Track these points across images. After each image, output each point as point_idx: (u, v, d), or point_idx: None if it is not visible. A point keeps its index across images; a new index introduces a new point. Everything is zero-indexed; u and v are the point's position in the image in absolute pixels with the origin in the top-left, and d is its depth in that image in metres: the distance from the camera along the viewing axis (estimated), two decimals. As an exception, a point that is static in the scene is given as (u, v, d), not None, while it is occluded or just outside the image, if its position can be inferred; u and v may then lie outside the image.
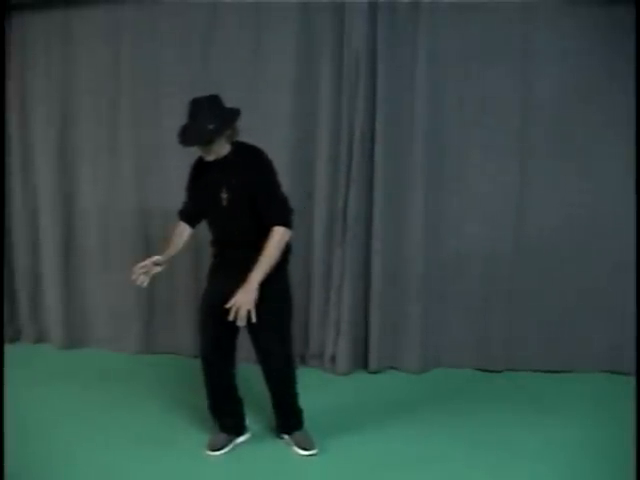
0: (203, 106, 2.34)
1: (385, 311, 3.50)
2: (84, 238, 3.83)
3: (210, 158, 2.36)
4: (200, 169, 2.50)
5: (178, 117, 3.52)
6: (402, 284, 3.51)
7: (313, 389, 3.24)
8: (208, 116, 2.30)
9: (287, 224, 2.37)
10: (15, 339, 3.97)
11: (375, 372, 3.53)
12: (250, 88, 3.47)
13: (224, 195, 2.38)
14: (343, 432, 2.78)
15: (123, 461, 2.50)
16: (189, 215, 2.67)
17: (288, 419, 2.67)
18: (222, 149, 2.37)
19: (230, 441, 2.64)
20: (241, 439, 2.69)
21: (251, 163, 2.38)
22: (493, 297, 3.53)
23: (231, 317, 2.22)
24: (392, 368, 3.58)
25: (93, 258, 3.83)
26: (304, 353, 3.64)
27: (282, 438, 2.70)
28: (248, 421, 2.74)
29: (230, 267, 2.47)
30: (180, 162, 3.60)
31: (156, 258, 2.51)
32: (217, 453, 2.58)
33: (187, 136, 2.34)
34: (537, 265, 3.50)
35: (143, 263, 2.46)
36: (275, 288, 2.39)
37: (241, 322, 2.24)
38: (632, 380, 3.31)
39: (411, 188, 3.43)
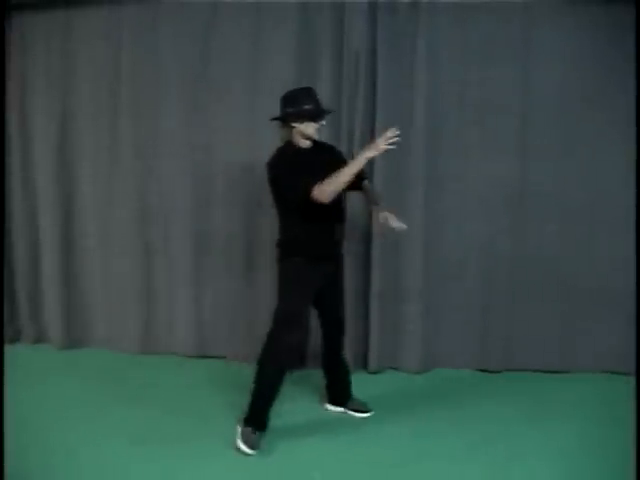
0: (315, 92, 2.68)
1: (385, 311, 3.50)
2: (84, 238, 3.83)
3: (316, 136, 2.63)
4: (296, 161, 2.58)
5: (177, 117, 3.58)
6: (402, 284, 3.51)
7: (313, 389, 3.25)
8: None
9: None
10: (15, 339, 3.97)
11: (375, 372, 3.53)
12: (250, 88, 3.47)
13: (322, 173, 2.47)
14: (343, 432, 2.78)
15: (123, 461, 2.50)
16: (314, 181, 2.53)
17: (348, 385, 2.97)
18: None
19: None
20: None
21: (329, 146, 2.80)
22: (493, 297, 3.53)
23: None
24: (392, 368, 3.58)
25: (93, 258, 3.83)
26: (303, 353, 3.64)
27: (335, 410, 2.97)
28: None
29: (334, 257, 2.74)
30: (179, 161, 3.64)
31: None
32: (254, 452, 2.57)
33: (327, 109, 2.69)
34: (537, 265, 3.50)
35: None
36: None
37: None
38: (631, 380, 3.31)
39: (411, 187, 3.43)
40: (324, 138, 3.41)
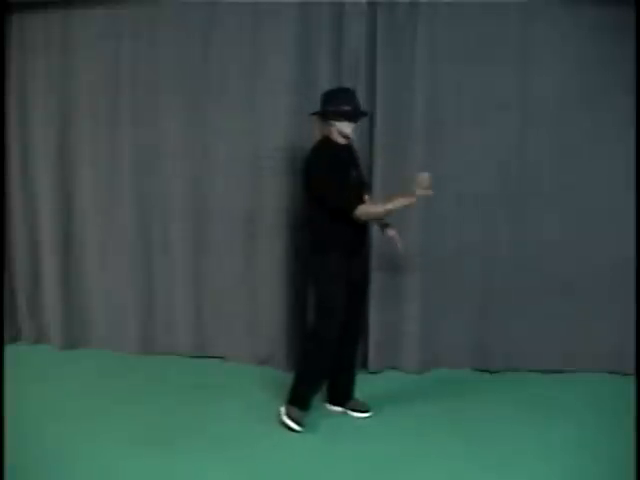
0: (355, 93, 2.80)
1: (385, 311, 3.50)
2: (83, 238, 3.83)
3: (353, 136, 2.76)
4: (337, 155, 2.74)
5: (177, 117, 3.58)
6: (402, 284, 3.51)
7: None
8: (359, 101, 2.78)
9: None
10: (14, 339, 3.97)
11: (375, 372, 3.53)
12: (249, 88, 3.47)
13: (354, 173, 2.78)
14: (343, 432, 2.79)
15: (122, 461, 2.50)
16: (355, 197, 2.74)
17: (352, 387, 3.00)
18: None
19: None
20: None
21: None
22: (491, 297, 3.53)
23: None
24: (392, 368, 3.58)
25: (92, 258, 3.84)
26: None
27: (335, 410, 3.00)
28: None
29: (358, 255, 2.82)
30: (179, 162, 3.64)
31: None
32: (301, 429, 2.77)
33: (363, 110, 2.81)
34: (536, 264, 3.50)
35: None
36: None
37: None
38: (631, 380, 3.31)
39: (409, 187, 3.42)
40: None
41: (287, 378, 3.43)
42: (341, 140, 2.74)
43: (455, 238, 3.51)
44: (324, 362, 2.80)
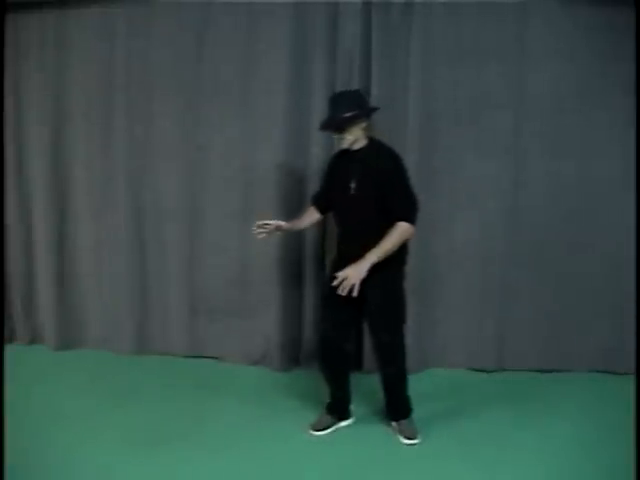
0: (343, 97, 2.57)
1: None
2: (78, 238, 3.82)
3: (344, 146, 2.54)
4: (337, 159, 2.69)
5: (171, 117, 3.58)
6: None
7: (308, 390, 3.25)
8: (345, 105, 2.47)
9: (412, 220, 2.47)
10: (9, 340, 3.96)
11: (369, 372, 3.52)
12: (243, 89, 3.47)
13: (353, 184, 2.52)
14: (339, 434, 2.79)
15: (117, 462, 2.49)
16: (319, 201, 2.81)
17: (396, 407, 2.79)
18: (358, 141, 2.54)
19: (334, 423, 2.81)
20: (344, 423, 2.85)
21: (382, 155, 2.53)
22: (486, 297, 3.53)
23: (336, 285, 2.36)
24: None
25: (87, 258, 3.83)
26: (297, 354, 3.64)
27: (390, 425, 2.83)
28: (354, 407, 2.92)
29: (351, 260, 2.47)
30: (174, 162, 3.63)
31: (281, 223, 2.71)
32: (320, 433, 2.74)
33: (324, 122, 2.57)
34: (531, 264, 3.50)
35: (268, 221, 2.65)
36: (390, 288, 2.61)
37: (342, 292, 2.36)
38: (626, 379, 3.32)
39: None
40: (317, 137, 3.44)
41: (282, 378, 3.45)
42: (364, 142, 2.57)
43: (449, 237, 3.50)
44: (321, 361, 2.79)
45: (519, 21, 3.33)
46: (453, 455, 2.58)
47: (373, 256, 2.39)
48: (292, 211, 3.47)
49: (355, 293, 2.35)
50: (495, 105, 3.38)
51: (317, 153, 3.42)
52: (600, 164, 3.42)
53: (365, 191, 2.50)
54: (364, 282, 2.39)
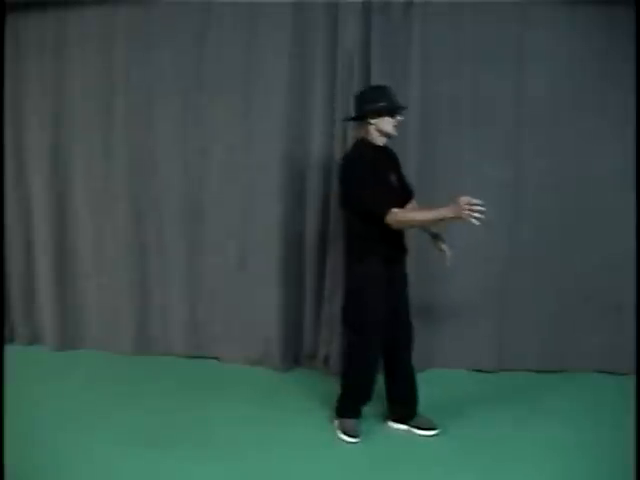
0: (389, 89, 2.65)
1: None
2: (77, 238, 3.82)
3: (395, 133, 2.61)
4: (374, 157, 2.60)
5: (172, 117, 3.58)
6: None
7: (307, 389, 3.24)
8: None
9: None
10: (9, 340, 3.95)
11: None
12: (243, 89, 3.47)
13: (393, 176, 2.65)
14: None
15: (117, 462, 2.49)
16: (390, 200, 2.52)
17: (414, 405, 2.80)
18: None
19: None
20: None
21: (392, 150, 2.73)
22: (486, 297, 3.53)
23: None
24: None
25: (87, 258, 3.82)
26: (297, 353, 3.64)
27: (394, 427, 2.82)
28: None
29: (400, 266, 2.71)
30: (174, 162, 3.63)
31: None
32: (356, 440, 2.68)
33: (400, 105, 2.62)
34: (531, 265, 3.50)
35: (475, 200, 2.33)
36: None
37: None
38: (626, 380, 3.31)
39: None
40: (317, 137, 3.45)
41: (282, 378, 3.45)
42: (380, 141, 2.60)
43: (449, 239, 3.49)
44: (367, 372, 2.71)
45: (518, 22, 3.33)
46: (452, 456, 2.57)
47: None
48: (292, 211, 3.47)
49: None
50: (495, 105, 3.38)
51: (317, 152, 3.42)
52: (600, 164, 3.42)
53: (402, 182, 2.76)
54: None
